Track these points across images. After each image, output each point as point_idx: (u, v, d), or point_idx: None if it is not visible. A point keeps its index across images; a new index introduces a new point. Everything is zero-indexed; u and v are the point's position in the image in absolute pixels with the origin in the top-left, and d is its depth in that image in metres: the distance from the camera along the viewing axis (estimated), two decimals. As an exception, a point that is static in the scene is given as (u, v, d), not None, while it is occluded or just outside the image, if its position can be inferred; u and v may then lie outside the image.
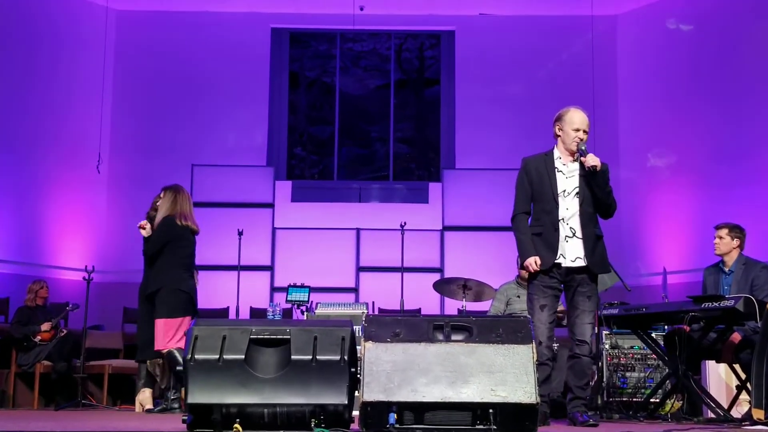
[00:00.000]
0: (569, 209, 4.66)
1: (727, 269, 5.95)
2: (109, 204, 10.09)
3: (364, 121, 11.21)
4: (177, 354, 5.71)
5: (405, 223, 7.99)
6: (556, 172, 4.73)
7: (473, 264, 9.08)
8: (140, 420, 5.44)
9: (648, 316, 5.64)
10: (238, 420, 3.43)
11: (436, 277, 8.85)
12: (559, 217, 4.65)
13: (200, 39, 10.38)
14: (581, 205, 4.66)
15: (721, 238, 5.99)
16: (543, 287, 4.66)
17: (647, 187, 9.85)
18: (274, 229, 9.95)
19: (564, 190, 4.69)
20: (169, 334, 5.86)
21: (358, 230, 9.92)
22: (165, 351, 5.86)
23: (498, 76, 10.32)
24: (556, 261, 4.62)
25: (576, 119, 4.71)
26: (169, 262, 6.04)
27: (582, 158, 4.65)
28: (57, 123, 9.72)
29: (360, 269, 9.84)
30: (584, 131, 4.71)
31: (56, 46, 9.82)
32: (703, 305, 5.18)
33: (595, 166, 4.58)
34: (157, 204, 6.31)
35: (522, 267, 4.89)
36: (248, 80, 10.42)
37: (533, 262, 4.63)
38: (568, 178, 4.71)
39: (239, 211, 9.64)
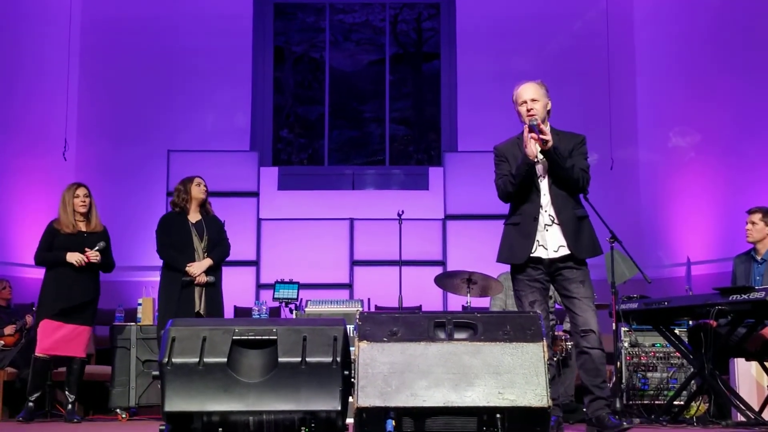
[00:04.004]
0: (546, 195, 4.65)
1: (759, 258, 5.97)
2: (77, 195, 10.05)
3: (356, 100, 11.19)
4: None
5: (403, 212, 7.97)
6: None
7: (478, 256, 9.03)
8: (114, 431, 5.45)
9: (670, 311, 5.65)
10: (220, 429, 3.43)
11: (438, 270, 8.85)
12: (540, 204, 4.64)
13: (175, 12, 10.34)
14: (551, 187, 4.64)
15: (753, 223, 6.00)
16: (528, 282, 4.65)
17: (669, 168, 9.85)
18: (259, 220, 9.94)
19: (540, 175, 4.68)
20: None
21: (351, 220, 9.92)
22: (84, 358, 6.52)
23: (503, 48, 10.29)
24: (533, 254, 4.60)
25: (520, 94, 4.69)
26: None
27: (532, 134, 4.54)
28: (17, 106, 9.67)
29: (354, 263, 9.84)
30: (531, 100, 4.64)
31: (16, 20, 9.77)
32: (730, 298, 5.19)
33: (548, 140, 4.49)
34: (88, 203, 6.62)
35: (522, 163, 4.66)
36: (229, 56, 10.39)
37: (533, 136, 4.48)
38: (540, 162, 4.66)
39: (220, 201, 9.50)
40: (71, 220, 6.44)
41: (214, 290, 6.42)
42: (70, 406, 6.42)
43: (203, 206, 6.59)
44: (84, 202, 6.49)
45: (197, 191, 6.53)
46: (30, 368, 6.46)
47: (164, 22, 10.31)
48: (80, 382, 6.55)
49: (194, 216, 6.53)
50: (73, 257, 6.32)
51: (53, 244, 6.42)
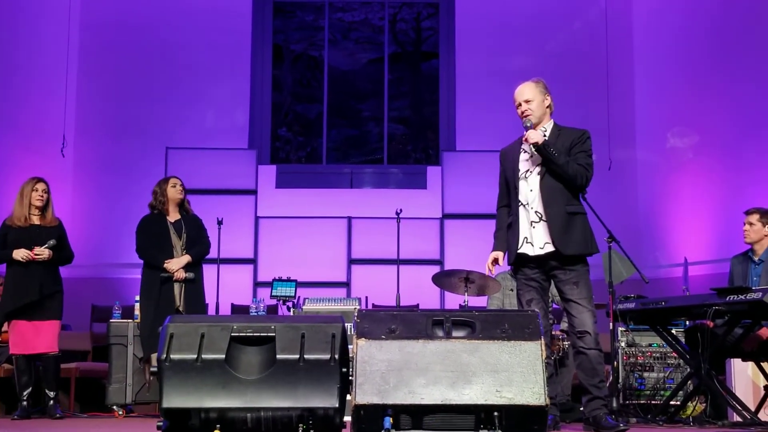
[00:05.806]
0: (533, 190, 4.67)
1: (756, 258, 5.97)
2: (75, 191, 10.06)
3: (355, 98, 11.19)
4: None
5: (401, 211, 7.98)
6: (521, 153, 4.76)
7: (476, 255, 8.98)
8: (111, 428, 5.45)
9: (667, 311, 5.66)
10: (218, 426, 3.42)
11: (436, 269, 8.85)
12: (523, 201, 4.67)
13: (174, 9, 10.33)
14: (541, 181, 4.65)
15: (751, 224, 6.01)
16: (524, 281, 4.71)
17: (667, 169, 9.86)
18: (257, 218, 9.94)
19: (527, 170, 4.70)
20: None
21: (349, 219, 9.92)
22: (57, 353, 6.50)
23: (502, 48, 10.30)
24: (519, 251, 4.64)
25: (515, 97, 4.79)
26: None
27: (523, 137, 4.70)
28: (15, 101, 9.65)
29: (352, 261, 9.84)
30: (525, 101, 4.72)
31: (14, 16, 9.75)
32: (727, 298, 5.20)
33: (537, 142, 4.58)
34: (46, 198, 6.64)
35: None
36: (228, 54, 10.38)
37: (489, 263, 4.81)
38: (532, 157, 4.70)
39: (218, 199, 9.62)
40: (25, 213, 6.51)
41: (194, 287, 6.51)
42: (51, 402, 6.43)
43: (182, 206, 6.68)
44: (41, 197, 6.56)
45: (173, 192, 6.62)
46: (14, 368, 6.50)
47: (163, 19, 10.31)
48: (58, 378, 6.61)
49: (173, 216, 6.64)
50: (19, 254, 6.37)
51: (6, 241, 6.47)
